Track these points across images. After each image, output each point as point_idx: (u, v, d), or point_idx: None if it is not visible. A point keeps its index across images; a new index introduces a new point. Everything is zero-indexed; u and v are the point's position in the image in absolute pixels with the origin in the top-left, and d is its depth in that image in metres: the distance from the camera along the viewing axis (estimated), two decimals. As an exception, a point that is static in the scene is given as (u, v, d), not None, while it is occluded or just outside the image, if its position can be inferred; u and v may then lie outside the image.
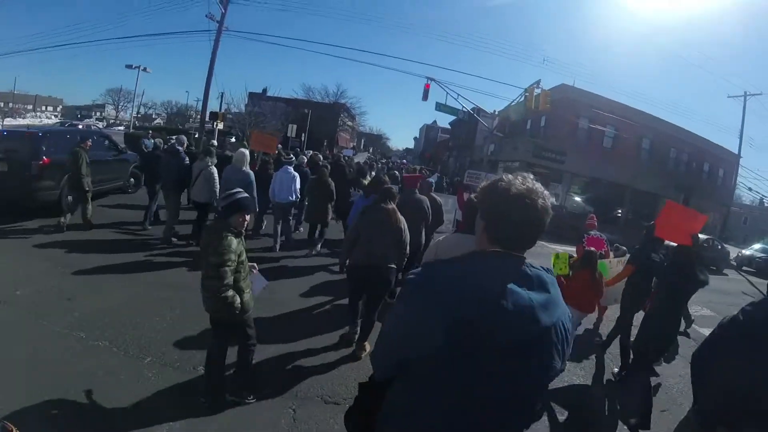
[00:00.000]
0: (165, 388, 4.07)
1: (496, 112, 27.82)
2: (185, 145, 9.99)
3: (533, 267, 1.55)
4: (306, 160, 12.19)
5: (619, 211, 30.69)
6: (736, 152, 33.85)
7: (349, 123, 67.61)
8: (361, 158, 22.45)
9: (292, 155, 12.26)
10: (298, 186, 9.29)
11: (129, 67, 41.10)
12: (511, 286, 1.45)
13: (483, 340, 1.42)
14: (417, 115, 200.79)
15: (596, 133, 29.77)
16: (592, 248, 6.49)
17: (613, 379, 6.07)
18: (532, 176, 1.66)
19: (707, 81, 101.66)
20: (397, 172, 16.67)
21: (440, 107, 25.43)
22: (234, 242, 3.57)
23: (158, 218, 9.99)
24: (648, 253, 6.08)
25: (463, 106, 25.66)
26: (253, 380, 4.14)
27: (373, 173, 14.12)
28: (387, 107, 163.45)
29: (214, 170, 8.59)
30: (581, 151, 28.66)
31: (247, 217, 3.88)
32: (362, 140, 78.40)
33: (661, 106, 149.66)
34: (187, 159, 9.22)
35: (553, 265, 6.65)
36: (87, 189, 8.72)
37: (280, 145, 19.46)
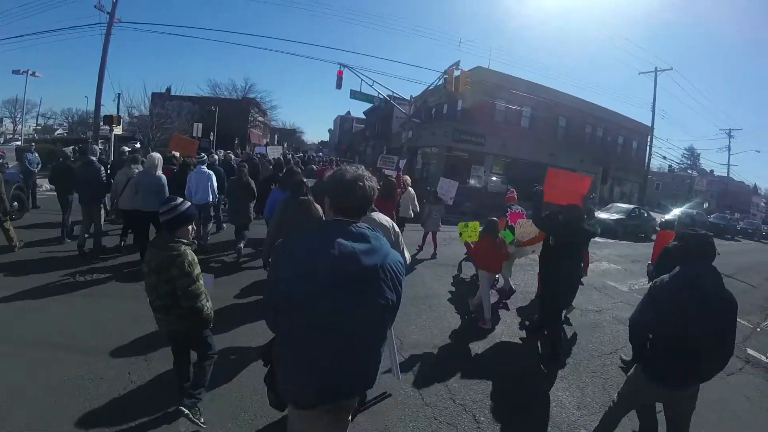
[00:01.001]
0: None
1: (412, 98, 27.01)
2: (98, 153, 9.67)
3: (359, 227, 2.17)
4: (218, 160, 12.55)
5: (538, 186, 30.56)
6: (649, 125, 34.93)
7: (261, 118, 65.20)
8: (274, 154, 21.23)
9: (203, 154, 11.75)
10: (215, 185, 9.22)
11: (16, 72, 36.51)
12: (339, 240, 2.08)
13: (323, 279, 2.03)
14: (331, 107, 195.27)
15: (513, 113, 29.77)
16: (494, 218, 7.03)
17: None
18: (362, 167, 2.42)
19: (620, 59, 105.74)
20: (313, 166, 16.18)
21: (355, 95, 24.47)
22: (193, 255, 3.48)
23: (72, 233, 9.24)
24: (555, 217, 6.21)
25: (379, 93, 24.75)
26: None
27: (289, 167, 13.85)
28: (299, 100, 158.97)
29: None
30: (500, 133, 28.62)
31: (193, 226, 3.68)
32: (275, 136, 75.55)
33: (576, 85, 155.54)
34: (102, 168, 8.77)
35: (460, 234, 7.67)
36: (7, 210, 8.06)
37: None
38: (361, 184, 2.17)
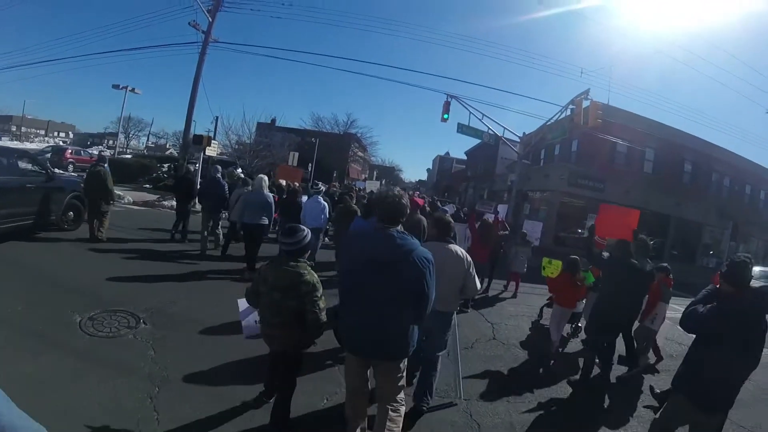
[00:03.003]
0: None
1: (525, 135, 24.73)
2: (221, 172, 11.24)
3: (398, 231, 3.22)
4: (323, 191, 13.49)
5: (652, 240, 27.42)
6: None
7: (361, 154, 65.37)
8: (371, 187, 20.56)
9: (320, 185, 13.56)
10: (326, 214, 10.34)
11: (116, 87, 37.46)
12: (378, 239, 3.21)
13: (367, 262, 3.16)
14: (430, 146, 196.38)
15: (636, 156, 26.60)
16: (577, 257, 7.24)
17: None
18: (398, 188, 3.83)
19: (743, 98, 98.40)
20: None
21: (462, 129, 22.69)
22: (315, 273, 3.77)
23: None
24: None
25: (489, 128, 22.82)
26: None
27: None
28: (399, 138, 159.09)
29: None
30: (621, 178, 25.50)
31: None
32: (374, 172, 75.42)
33: (697, 123, 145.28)
34: (226, 186, 10.80)
35: (543, 268, 8.58)
36: (114, 200, 10.04)
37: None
38: (395, 200, 3.29)
